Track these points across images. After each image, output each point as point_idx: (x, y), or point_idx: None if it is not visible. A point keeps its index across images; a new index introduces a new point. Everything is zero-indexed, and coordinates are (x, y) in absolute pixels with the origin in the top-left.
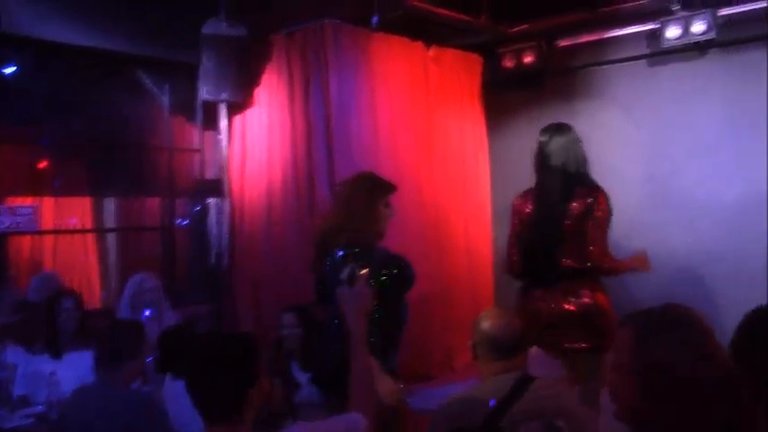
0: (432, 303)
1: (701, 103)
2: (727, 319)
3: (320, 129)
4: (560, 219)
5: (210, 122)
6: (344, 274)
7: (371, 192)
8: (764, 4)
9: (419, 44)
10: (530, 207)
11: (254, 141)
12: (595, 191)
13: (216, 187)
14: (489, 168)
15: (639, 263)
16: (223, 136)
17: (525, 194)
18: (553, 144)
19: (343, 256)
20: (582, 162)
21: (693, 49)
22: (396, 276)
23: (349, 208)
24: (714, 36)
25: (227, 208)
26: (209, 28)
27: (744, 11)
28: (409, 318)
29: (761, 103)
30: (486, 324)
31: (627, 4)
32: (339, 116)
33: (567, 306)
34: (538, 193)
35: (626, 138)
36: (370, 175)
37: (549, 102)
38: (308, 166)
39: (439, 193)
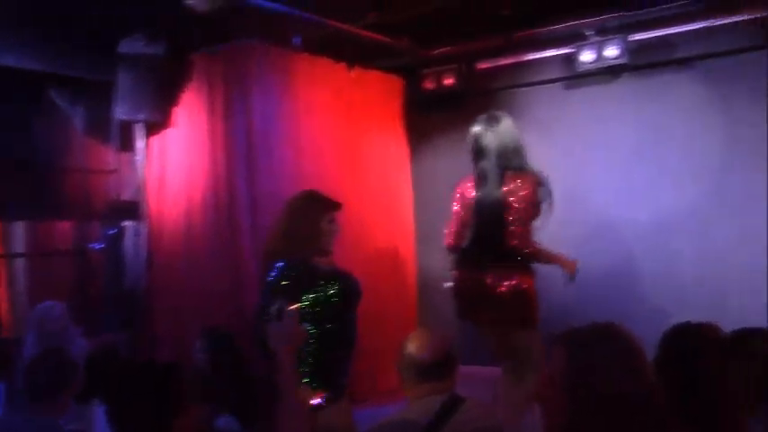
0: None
1: (614, 124)
2: (645, 335)
3: (242, 149)
4: (495, 203)
5: (127, 143)
6: (273, 309)
7: (316, 209)
8: (673, 31)
9: (342, 65)
10: (469, 192)
11: (172, 162)
12: (525, 175)
13: (132, 209)
14: (412, 189)
15: (567, 264)
16: (140, 156)
17: (467, 179)
18: (488, 133)
19: (275, 278)
20: (515, 149)
21: (607, 72)
22: (342, 292)
23: (295, 225)
24: (626, 60)
25: (144, 230)
26: (125, 46)
27: (653, 36)
28: None
29: (671, 123)
30: (411, 347)
31: (543, 29)
32: (261, 136)
33: (500, 288)
34: (475, 179)
35: (543, 157)
36: (314, 193)
37: (470, 123)
38: (229, 188)
39: (363, 215)
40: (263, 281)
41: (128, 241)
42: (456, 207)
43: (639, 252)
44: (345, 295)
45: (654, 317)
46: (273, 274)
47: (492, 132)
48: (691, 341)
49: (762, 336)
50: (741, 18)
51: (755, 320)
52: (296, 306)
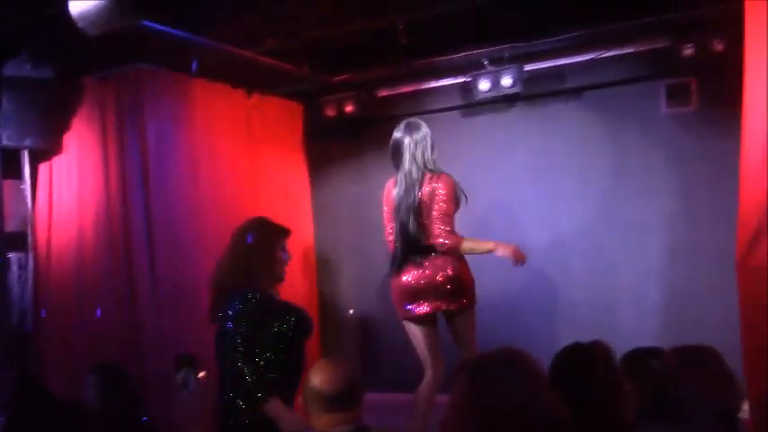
0: None
1: (510, 150)
2: (541, 355)
3: (136, 176)
4: (416, 203)
5: (12, 171)
6: (179, 377)
7: (268, 236)
8: (564, 62)
9: (240, 91)
10: (393, 192)
11: (62, 190)
12: (440, 176)
13: (18, 241)
14: (312, 216)
15: (505, 249)
16: (26, 185)
17: (392, 182)
18: (406, 139)
19: (241, 308)
20: (431, 152)
21: (503, 101)
22: (294, 325)
23: (245, 254)
24: (519, 90)
25: (30, 263)
26: (10, 69)
27: (546, 67)
28: None
29: (563, 150)
30: (315, 379)
31: (441, 58)
32: (156, 162)
33: (437, 278)
34: (398, 181)
35: None
36: (264, 220)
37: (370, 149)
38: (123, 216)
39: None
40: (224, 312)
41: (12, 275)
42: (385, 207)
43: (535, 277)
44: (298, 328)
45: (549, 336)
46: (238, 304)
47: (410, 137)
48: (580, 360)
49: (651, 355)
50: (630, 50)
51: (644, 339)
52: (203, 374)
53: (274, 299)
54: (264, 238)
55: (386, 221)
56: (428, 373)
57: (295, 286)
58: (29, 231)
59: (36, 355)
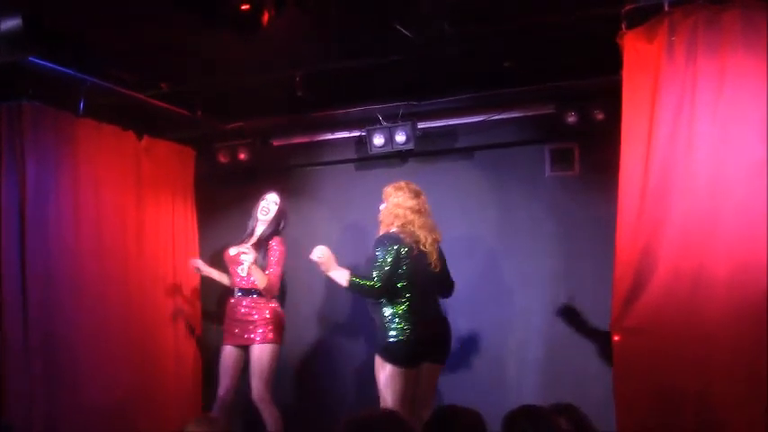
0: (136, 411)
1: None
2: None
3: (12, 215)
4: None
5: None
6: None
7: None
8: (455, 122)
9: (130, 133)
10: None
11: None
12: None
13: None
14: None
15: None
16: None
17: None
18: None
19: None
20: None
21: (396, 156)
22: None
23: None
24: (412, 146)
25: None
26: None
27: (438, 126)
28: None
29: (452, 206)
30: None
31: (338, 111)
32: (35, 203)
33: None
34: None
35: (334, 234)
36: None
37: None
38: None
39: (146, 285)
40: None
41: None
42: None
43: None
44: None
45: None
46: None
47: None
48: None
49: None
50: (518, 115)
51: (530, 396)
52: None
53: None
54: None
55: None
56: None
57: (179, 338)
58: None
59: None
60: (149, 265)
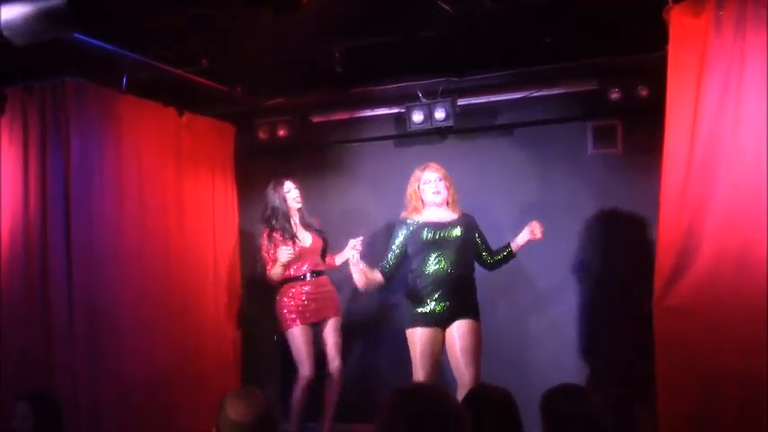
0: (177, 383)
1: None
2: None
3: (58, 190)
4: None
5: None
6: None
7: None
8: (495, 98)
9: (171, 110)
10: None
11: None
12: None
13: None
14: (238, 238)
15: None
16: None
17: None
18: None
19: None
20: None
21: (435, 133)
22: None
23: None
24: (452, 123)
25: None
26: None
27: (478, 102)
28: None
29: (493, 184)
30: (230, 408)
31: (376, 88)
32: (79, 178)
33: None
34: None
35: (373, 211)
36: None
37: (301, 174)
38: (42, 231)
39: (187, 260)
40: None
41: None
42: None
43: None
44: None
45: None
46: None
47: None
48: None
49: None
50: (559, 91)
51: (568, 376)
52: None
53: None
54: None
55: None
56: None
57: (219, 309)
58: None
59: None
60: (190, 240)
